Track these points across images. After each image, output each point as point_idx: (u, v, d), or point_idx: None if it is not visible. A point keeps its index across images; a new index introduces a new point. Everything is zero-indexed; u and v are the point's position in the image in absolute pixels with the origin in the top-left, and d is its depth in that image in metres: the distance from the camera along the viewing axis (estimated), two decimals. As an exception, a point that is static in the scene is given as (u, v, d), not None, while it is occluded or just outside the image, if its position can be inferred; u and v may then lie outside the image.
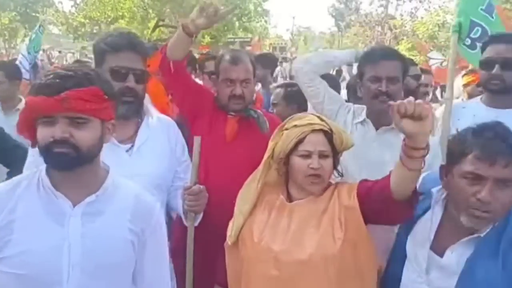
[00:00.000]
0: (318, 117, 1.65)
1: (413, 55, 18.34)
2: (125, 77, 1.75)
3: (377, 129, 2.10)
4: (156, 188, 1.74)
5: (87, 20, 23.34)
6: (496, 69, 2.04)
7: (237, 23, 25.22)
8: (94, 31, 23.64)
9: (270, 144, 1.67)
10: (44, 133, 1.18)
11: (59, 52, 24.15)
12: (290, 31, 45.49)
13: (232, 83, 2.14)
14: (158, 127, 1.88)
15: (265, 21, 31.50)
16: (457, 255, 1.42)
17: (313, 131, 1.58)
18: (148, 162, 1.75)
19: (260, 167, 1.70)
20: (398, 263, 1.57)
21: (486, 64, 2.10)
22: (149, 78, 1.88)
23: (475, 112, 2.14)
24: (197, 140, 1.77)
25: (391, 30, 25.37)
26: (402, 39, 21.69)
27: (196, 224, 1.89)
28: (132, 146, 1.78)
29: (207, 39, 21.67)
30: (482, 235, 1.41)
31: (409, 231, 1.56)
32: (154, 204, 1.40)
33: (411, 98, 1.29)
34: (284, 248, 1.54)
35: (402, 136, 1.36)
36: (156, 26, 22.94)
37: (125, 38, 1.78)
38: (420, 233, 1.53)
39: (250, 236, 1.62)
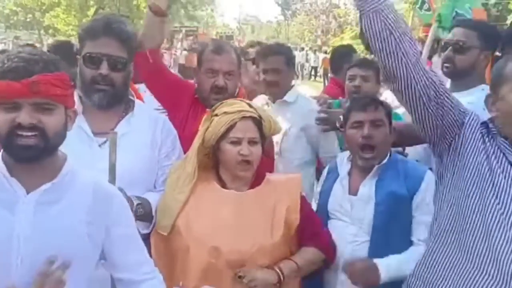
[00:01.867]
0: (248, 104, 1.67)
1: (357, 44, 18.78)
2: (98, 64, 1.60)
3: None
4: (127, 187, 1.55)
5: (19, 8, 21.93)
6: (448, 52, 2.04)
7: (182, 11, 24.71)
8: (28, 19, 22.29)
9: (201, 129, 1.68)
10: (3, 118, 1.10)
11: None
12: (237, 20, 45.26)
13: (214, 74, 2.00)
14: (143, 123, 1.72)
15: (211, 10, 31.11)
16: (368, 186, 1.80)
17: (243, 118, 1.61)
18: (120, 159, 1.56)
19: (191, 153, 1.69)
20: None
21: (443, 47, 2.12)
22: (129, 65, 1.70)
23: None
24: (113, 138, 1.58)
25: (335, 19, 25.83)
26: (346, 27, 22.13)
27: (148, 231, 1.72)
28: (107, 140, 1.61)
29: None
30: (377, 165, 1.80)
31: (326, 202, 1.87)
32: (114, 192, 1.33)
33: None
34: (221, 237, 1.56)
35: None
36: (96, 14, 21.99)
37: (102, 22, 1.64)
38: (337, 191, 1.86)
39: (186, 225, 1.60)
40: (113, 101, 1.65)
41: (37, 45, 18.06)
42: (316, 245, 1.69)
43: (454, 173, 1.37)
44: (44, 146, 1.13)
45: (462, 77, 2.05)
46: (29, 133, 1.10)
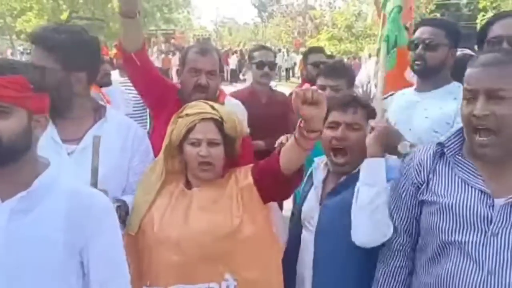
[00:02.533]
0: (211, 105, 1.68)
1: (333, 45, 18.95)
2: None
3: None
4: None
5: (-11, 13, 21.35)
6: (419, 50, 2.06)
7: (158, 14, 24.47)
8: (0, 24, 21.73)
9: (168, 131, 1.70)
10: None
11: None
12: (214, 22, 45.13)
13: (197, 73, 2.09)
14: (114, 128, 1.73)
15: (188, 12, 30.92)
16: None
17: (203, 119, 1.63)
18: (87, 168, 1.58)
19: (161, 155, 1.72)
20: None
21: (412, 45, 2.14)
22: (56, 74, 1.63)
23: (407, 98, 2.16)
24: (95, 142, 1.59)
25: (312, 20, 26.03)
26: (322, 29, 22.32)
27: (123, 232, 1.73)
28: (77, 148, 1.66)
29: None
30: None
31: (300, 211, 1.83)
32: (94, 197, 1.30)
33: (307, 85, 1.43)
34: (183, 233, 1.58)
35: None
36: (69, 18, 21.55)
37: (37, 31, 1.63)
38: (311, 200, 1.80)
39: (151, 225, 1.63)
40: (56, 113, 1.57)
41: (9, 50, 17.61)
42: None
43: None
44: None
45: (432, 75, 2.07)
46: None
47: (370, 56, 14.01)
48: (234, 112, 1.77)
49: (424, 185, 1.44)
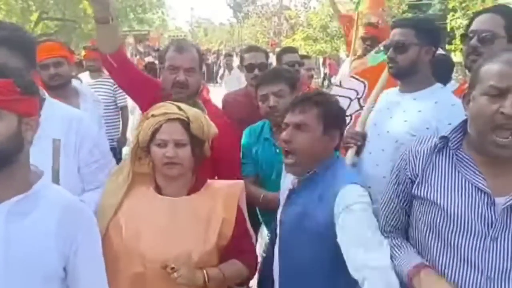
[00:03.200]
0: (177, 106, 1.67)
1: (308, 45, 19.06)
2: None
3: None
4: None
5: (-46, 14, 20.62)
6: (390, 53, 2.07)
7: (131, 15, 24.10)
8: (-36, 25, 21.01)
9: (135, 132, 1.70)
10: None
11: None
12: (189, 23, 44.85)
13: (176, 70, 2.12)
14: (54, 125, 1.69)
15: (162, 13, 30.58)
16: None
17: (169, 120, 1.61)
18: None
19: (128, 156, 1.72)
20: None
21: (385, 49, 2.18)
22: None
23: (388, 98, 2.18)
24: (56, 145, 1.61)
25: (287, 20, 26.12)
26: (298, 29, 22.42)
27: None
28: None
29: (99, 32, 20.39)
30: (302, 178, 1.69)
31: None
32: (84, 211, 1.36)
33: None
34: (152, 245, 1.56)
35: None
36: (39, 19, 21.02)
37: None
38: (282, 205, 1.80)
39: (119, 232, 1.59)
40: None
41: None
42: (243, 261, 1.69)
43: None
44: None
45: (408, 75, 2.08)
46: None
47: (347, 56, 14.13)
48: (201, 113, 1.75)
49: (419, 178, 1.39)
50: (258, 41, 30.69)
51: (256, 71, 2.94)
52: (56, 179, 1.56)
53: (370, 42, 4.27)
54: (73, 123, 1.74)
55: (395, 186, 1.46)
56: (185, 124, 1.63)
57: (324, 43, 18.31)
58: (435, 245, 1.33)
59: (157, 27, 32.04)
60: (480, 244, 1.26)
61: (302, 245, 1.57)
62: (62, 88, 3.03)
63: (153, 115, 1.65)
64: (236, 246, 1.65)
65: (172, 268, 1.49)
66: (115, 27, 2.07)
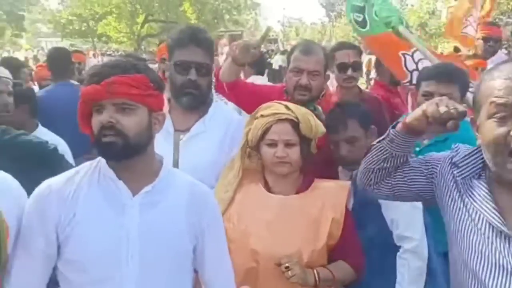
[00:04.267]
0: (285, 106, 1.68)
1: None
2: (187, 71, 1.80)
3: None
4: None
5: (75, 18, 23.09)
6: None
7: (227, 16, 25.06)
8: (83, 28, 23.41)
9: (244, 130, 1.73)
10: (95, 121, 1.21)
11: (42, 49, 23.78)
12: (281, 22, 45.30)
13: (299, 73, 2.08)
14: (216, 123, 1.87)
15: (256, 14, 31.31)
16: None
17: (279, 120, 1.64)
18: (192, 155, 1.77)
19: (238, 153, 1.75)
20: None
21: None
22: (211, 71, 1.93)
23: None
24: (176, 138, 1.77)
25: (382, 19, 25.20)
26: (393, 27, 21.55)
27: None
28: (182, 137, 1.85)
29: (197, 33, 21.51)
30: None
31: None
32: (209, 193, 1.41)
33: None
34: (263, 241, 1.58)
35: None
36: (145, 21, 22.74)
37: (189, 33, 1.83)
38: None
39: (230, 226, 1.62)
40: (198, 103, 1.85)
41: (91, 52, 18.95)
42: (350, 263, 1.65)
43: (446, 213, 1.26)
44: (123, 145, 1.19)
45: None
46: (109, 132, 1.18)
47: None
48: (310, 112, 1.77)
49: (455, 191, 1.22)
50: (350, 41, 30.03)
51: (350, 72, 2.62)
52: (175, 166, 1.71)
53: (493, 42, 3.99)
54: (233, 124, 1.91)
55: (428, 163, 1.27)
56: (295, 124, 1.64)
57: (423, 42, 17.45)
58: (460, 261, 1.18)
59: (250, 27, 32.88)
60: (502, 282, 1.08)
61: None
62: None
63: (262, 115, 1.67)
64: (343, 247, 1.62)
65: (287, 267, 1.50)
66: (242, 68, 2.15)
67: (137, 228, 1.23)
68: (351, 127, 1.84)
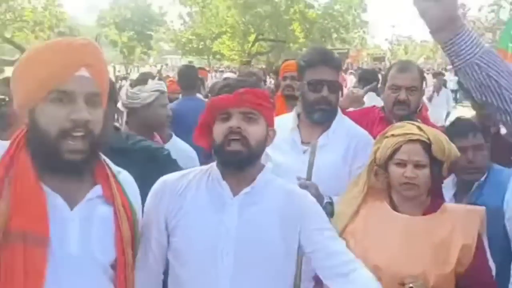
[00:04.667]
0: (418, 127, 1.69)
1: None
2: (320, 88, 1.96)
3: None
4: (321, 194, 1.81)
5: (194, 37, 25.27)
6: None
7: (334, 35, 25.38)
8: (200, 46, 25.54)
9: (373, 148, 1.76)
10: (219, 128, 1.30)
11: (166, 65, 26.20)
12: (389, 40, 44.10)
13: (397, 90, 2.21)
14: (340, 137, 1.98)
15: (364, 32, 31.11)
16: None
17: (409, 141, 1.63)
18: (316, 167, 1.81)
19: (363, 170, 1.78)
20: None
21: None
22: (341, 88, 2.11)
23: None
24: (314, 144, 1.81)
25: (502, 36, 23.41)
26: (516, 46, 19.93)
27: None
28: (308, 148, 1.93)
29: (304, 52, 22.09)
30: None
31: None
32: (308, 194, 1.44)
33: None
34: (387, 259, 1.56)
35: None
36: (256, 40, 23.96)
37: (319, 54, 2.01)
38: None
39: (352, 241, 1.63)
40: (329, 118, 2.01)
41: (207, 68, 20.60)
42: None
43: None
44: (248, 153, 1.28)
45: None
46: (235, 137, 1.27)
47: None
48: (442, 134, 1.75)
49: None
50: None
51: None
52: (310, 171, 1.78)
53: None
54: (354, 140, 1.99)
55: None
56: (426, 145, 1.61)
57: (549, 62, 15.89)
58: None
59: (356, 45, 32.74)
60: None
61: None
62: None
63: (392, 135, 1.66)
64: (474, 277, 1.55)
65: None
66: None
67: (235, 226, 1.29)
68: (479, 135, 1.97)
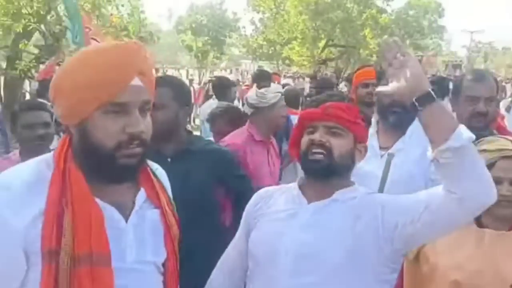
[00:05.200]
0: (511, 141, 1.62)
1: None
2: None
3: None
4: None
5: (265, 42, 25.88)
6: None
7: (408, 41, 24.69)
8: (270, 52, 26.09)
9: None
10: (305, 139, 1.36)
11: (236, 69, 27.04)
12: (466, 47, 41.72)
13: (475, 101, 2.06)
14: (417, 142, 1.92)
15: (440, 38, 29.86)
16: None
17: (504, 157, 1.55)
18: (393, 170, 1.89)
19: None
20: None
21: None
22: None
23: None
24: (388, 157, 1.94)
25: None
26: None
27: None
28: (385, 153, 2.00)
29: (374, 58, 21.79)
30: None
31: None
32: (375, 197, 1.41)
33: None
34: (471, 275, 1.52)
35: None
36: (326, 46, 23.97)
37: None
38: None
39: (433, 253, 1.59)
40: (404, 121, 2.01)
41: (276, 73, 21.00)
42: None
43: None
44: (329, 164, 1.31)
45: None
46: (318, 150, 1.31)
47: None
48: None
49: None
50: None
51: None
52: (382, 184, 1.88)
53: None
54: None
55: None
56: None
57: None
58: None
59: (431, 51, 31.53)
60: None
61: None
62: None
63: (485, 150, 1.57)
64: None
65: None
66: None
67: (299, 229, 1.32)
68: None
